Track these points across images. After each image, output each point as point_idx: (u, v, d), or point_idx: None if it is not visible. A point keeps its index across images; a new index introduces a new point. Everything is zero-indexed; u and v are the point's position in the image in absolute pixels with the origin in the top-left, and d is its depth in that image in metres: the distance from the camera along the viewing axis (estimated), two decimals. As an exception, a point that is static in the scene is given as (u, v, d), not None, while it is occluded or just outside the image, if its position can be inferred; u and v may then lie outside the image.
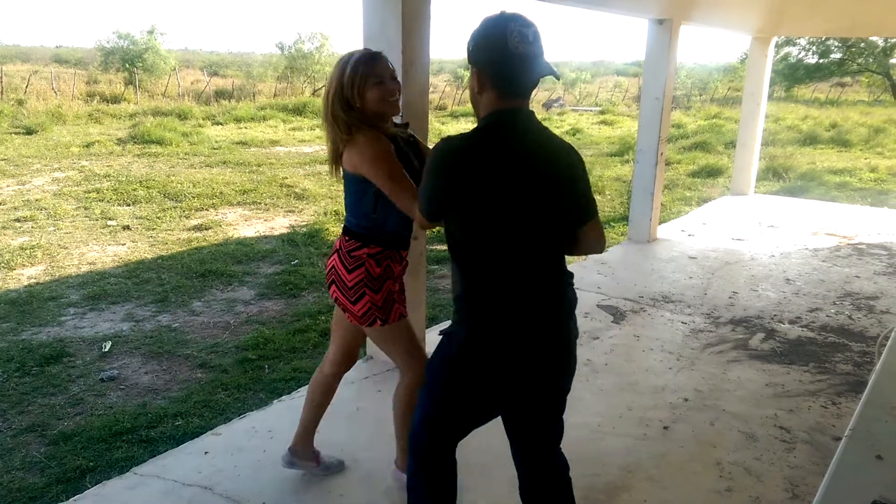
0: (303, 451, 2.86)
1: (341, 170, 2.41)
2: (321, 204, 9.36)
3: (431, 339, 4.31)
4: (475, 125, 1.91)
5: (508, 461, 3.03)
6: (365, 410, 3.51)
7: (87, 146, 13.83)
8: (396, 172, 2.28)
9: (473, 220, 1.83)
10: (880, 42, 26.87)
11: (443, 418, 2.06)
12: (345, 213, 2.49)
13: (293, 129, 18.56)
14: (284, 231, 7.87)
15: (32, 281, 5.93)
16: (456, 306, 1.94)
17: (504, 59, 1.78)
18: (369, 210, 2.38)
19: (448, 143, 1.84)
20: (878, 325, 4.96)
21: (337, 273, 2.43)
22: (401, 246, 2.50)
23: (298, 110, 21.40)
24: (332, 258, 2.47)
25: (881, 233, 7.86)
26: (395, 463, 2.85)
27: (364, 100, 2.32)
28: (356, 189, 2.39)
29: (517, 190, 1.81)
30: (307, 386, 3.81)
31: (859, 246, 7.26)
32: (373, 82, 2.33)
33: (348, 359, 2.78)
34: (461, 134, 1.86)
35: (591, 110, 29.24)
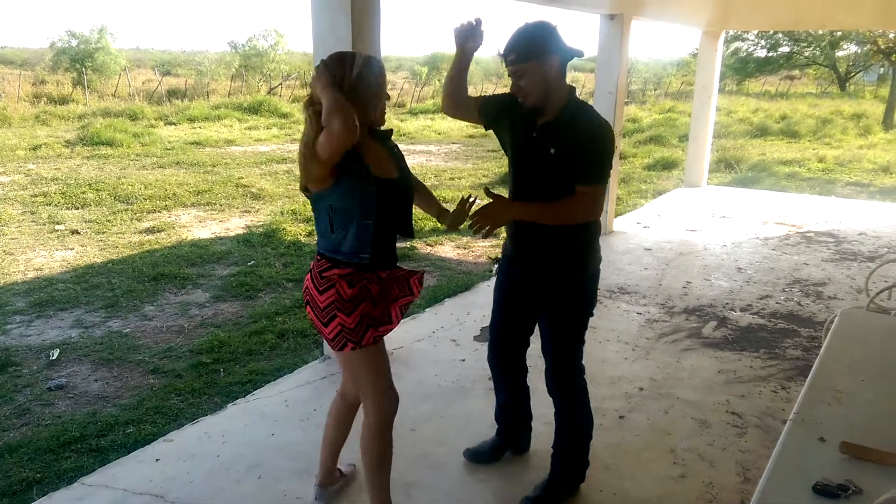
0: (331, 479, 2.74)
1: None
2: (278, 204, 9.23)
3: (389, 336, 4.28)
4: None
5: (462, 457, 3.04)
6: (322, 411, 3.45)
7: (33, 149, 13.41)
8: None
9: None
10: (826, 35, 27.62)
11: None
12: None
13: (249, 128, 18.28)
14: (240, 232, 7.74)
15: (-24, 289, 5.73)
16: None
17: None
18: (326, 229, 2.26)
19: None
20: (825, 310, 5.10)
21: (310, 294, 2.29)
22: (374, 267, 2.30)
23: (254, 109, 21.04)
24: (306, 278, 2.34)
25: (828, 221, 8.09)
26: None
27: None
28: (314, 207, 2.28)
29: None
30: (260, 389, 3.77)
31: (807, 234, 7.46)
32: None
33: None
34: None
35: (548, 105, 29.36)
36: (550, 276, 2.57)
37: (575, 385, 2.68)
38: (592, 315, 2.65)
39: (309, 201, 2.29)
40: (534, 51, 2.35)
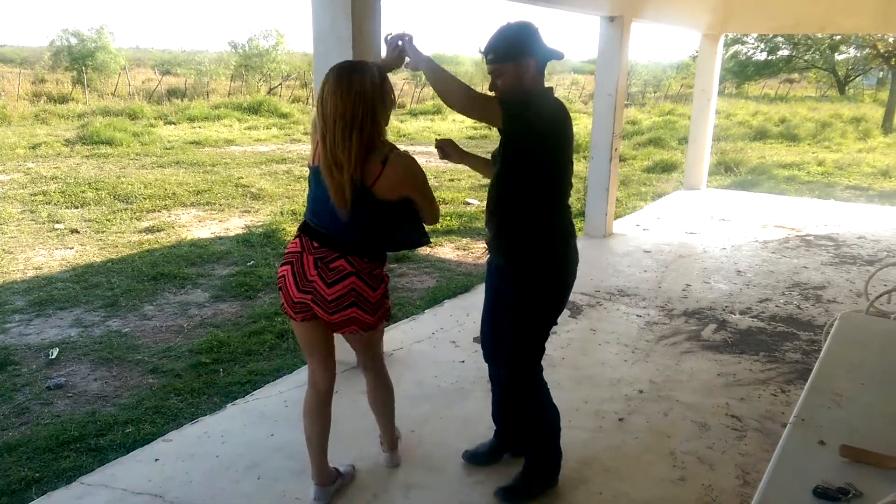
0: (328, 477, 2.73)
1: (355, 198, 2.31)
2: (277, 204, 9.23)
3: (388, 337, 4.28)
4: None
5: (461, 458, 3.03)
6: (321, 411, 3.46)
7: (33, 148, 13.40)
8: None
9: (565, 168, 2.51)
10: (826, 39, 27.65)
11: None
12: (352, 240, 2.38)
13: (249, 128, 18.28)
14: (240, 232, 7.74)
15: (-25, 287, 5.72)
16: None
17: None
18: (394, 229, 2.45)
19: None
20: (825, 314, 5.10)
21: (360, 294, 2.41)
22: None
23: (254, 109, 21.04)
24: (348, 282, 2.38)
25: (828, 224, 8.10)
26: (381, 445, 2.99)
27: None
28: (390, 213, 2.39)
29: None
30: (259, 389, 3.77)
31: (807, 237, 7.46)
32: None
33: (333, 369, 2.70)
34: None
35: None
36: (510, 268, 2.60)
37: (526, 386, 2.69)
38: (555, 323, 2.66)
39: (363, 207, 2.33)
40: (511, 52, 2.39)
